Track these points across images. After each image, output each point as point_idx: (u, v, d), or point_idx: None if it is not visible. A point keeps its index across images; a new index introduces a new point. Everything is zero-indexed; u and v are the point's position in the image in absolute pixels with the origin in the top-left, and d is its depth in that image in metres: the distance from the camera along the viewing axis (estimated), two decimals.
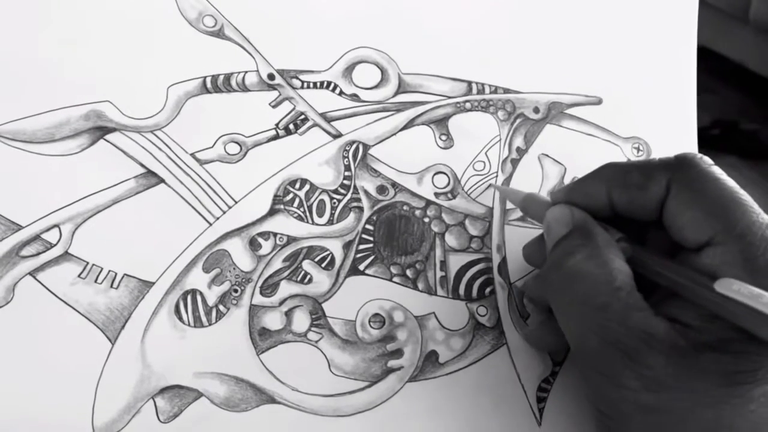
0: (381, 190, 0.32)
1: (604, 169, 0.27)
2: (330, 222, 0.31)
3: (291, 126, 0.31)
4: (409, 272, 0.31)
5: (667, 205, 0.25)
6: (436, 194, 0.32)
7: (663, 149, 0.35)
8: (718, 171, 0.25)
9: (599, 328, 0.23)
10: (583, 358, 0.25)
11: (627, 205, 0.26)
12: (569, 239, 0.26)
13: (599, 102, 0.35)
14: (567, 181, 0.34)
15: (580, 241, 0.25)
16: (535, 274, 0.31)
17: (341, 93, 0.32)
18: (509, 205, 0.33)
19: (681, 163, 0.25)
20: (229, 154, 0.30)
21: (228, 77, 0.31)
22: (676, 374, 0.22)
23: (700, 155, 0.25)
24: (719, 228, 0.23)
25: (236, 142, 0.31)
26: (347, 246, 0.31)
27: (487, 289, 0.31)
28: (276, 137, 0.31)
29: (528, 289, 0.31)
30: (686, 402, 0.22)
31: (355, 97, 0.32)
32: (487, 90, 0.34)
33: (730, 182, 0.24)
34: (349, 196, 0.31)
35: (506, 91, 0.34)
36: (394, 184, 0.32)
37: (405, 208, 0.32)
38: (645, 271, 0.25)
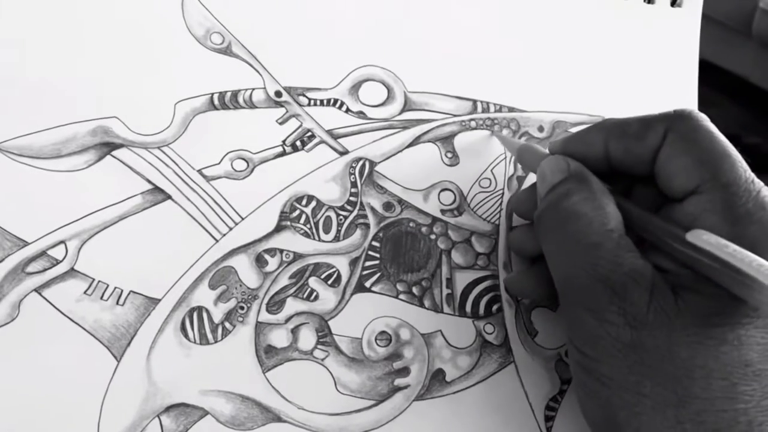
0: (387, 206, 0.32)
1: (603, 122, 0.28)
2: (336, 239, 0.31)
3: (298, 143, 0.31)
4: (415, 289, 0.31)
5: (660, 153, 0.26)
6: (443, 211, 0.32)
7: None
8: (712, 126, 0.26)
9: (589, 265, 0.24)
10: (570, 294, 0.25)
11: (622, 156, 0.27)
12: (566, 183, 0.27)
13: None
14: None
15: (576, 185, 0.26)
16: (522, 225, 0.32)
17: (348, 110, 0.32)
18: (515, 222, 0.33)
19: (679, 115, 0.26)
20: (235, 170, 0.30)
21: (235, 94, 0.31)
22: (656, 312, 0.23)
23: (696, 110, 0.26)
24: (707, 176, 0.25)
25: (243, 159, 0.31)
26: (353, 263, 0.30)
27: (494, 307, 0.31)
28: (283, 154, 0.31)
29: (514, 239, 0.32)
30: (663, 340, 0.22)
31: (361, 114, 0.33)
32: (491, 108, 0.34)
33: (722, 137, 0.25)
34: (355, 212, 0.31)
35: (511, 109, 0.34)
36: (401, 201, 0.32)
37: (411, 224, 0.32)
38: (627, 222, 0.26)
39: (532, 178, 0.34)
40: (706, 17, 0.37)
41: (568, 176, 0.27)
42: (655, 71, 0.37)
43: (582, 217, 0.25)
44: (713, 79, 0.36)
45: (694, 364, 0.22)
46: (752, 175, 0.24)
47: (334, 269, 0.30)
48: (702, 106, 0.36)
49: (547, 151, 0.30)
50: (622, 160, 0.27)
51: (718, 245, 0.22)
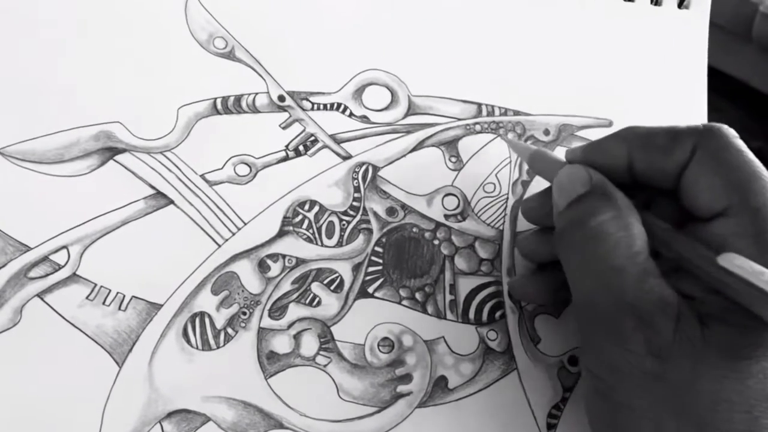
0: (390, 211, 0.31)
1: (626, 130, 0.27)
2: (339, 244, 0.31)
3: (301, 147, 0.31)
4: (418, 295, 0.30)
5: (688, 170, 0.25)
6: (446, 216, 0.32)
7: None
8: (742, 144, 0.25)
9: (615, 290, 0.23)
10: (589, 318, 0.24)
11: (646, 169, 0.26)
12: (591, 199, 0.25)
13: (610, 124, 0.35)
14: None
15: (602, 202, 0.25)
16: (533, 231, 0.31)
17: (351, 115, 0.32)
18: (519, 228, 0.32)
19: (709, 131, 0.25)
20: (238, 175, 0.30)
21: (238, 99, 0.31)
22: (682, 342, 0.22)
23: (726, 126, 0.25)
24: (736, 199, 0.24)
25: (246, 164, 0.31)
26: (356, 268, 0.30)
27: (498, 313, 0.31)
28: (286, 158, 0.31)
29: (523, 243, 0.31)
30: (688, 372, 0.22)
31: (364, 118, 0.32)
32: (497, 112, 0.34)
33: (752, 156, 0.24)
34: (358, 217, 0.31)
35: (516, 113, 0.34)
36: (404, 206, 0.32)
37: (414, 230, 0.31)
38: (651, 240, 0.24)
39: (537, 184, 0.33)
40: None
41: (591, 190, 0.25)
42: (663, 73, 0.36)
43: (608, 237, 0.24)
44: (713, 83, 0.36)
45: (720, 398, 0.21)
46: None
47: (336, 275, 0.30)
48: None
49: (563, 158, 0.28)
50: (646, 173, 0.26)
51: (753, 272, 0.21)
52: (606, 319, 0.23)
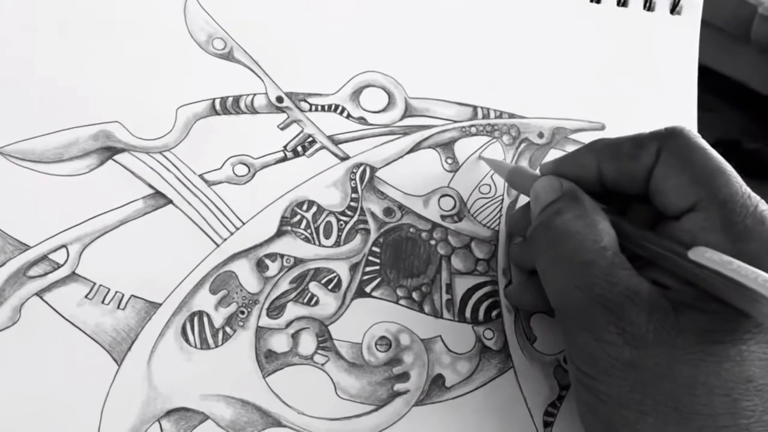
0: (387, 212, 0.32)
1: (594, 142, 0.28)
2: (337, 244, 0.31)
3: (299, 148, 0.32)
4: (415, 295, 0.31)
5: (655, 172, 0.26)
6: (443, 217, 0.32)
7: None
8: (705, 142, 0.26)
9: (584, 284, 0.24)
10: (566, 314, 0.25)
11: (616, 176, 0.27)
12: (558, 201, 0.27)
13: (602, 128, 0.35)
14: None
15: (568, 203, 0.26)
16: (521, 241, 0.32)
17: (349, 116, 0.33)
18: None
19: (671, 133, 0.26)
20: (237, 175, 0.31)
21: (237, 99, 0.31)
22: (656, 330, 0.23)
23: (688, 128, 0.26)
24: (703, 194, 0.24)
25: (244, 164, 0.31)
26: (354, 268, 0.31)
27: (494, 313, 0.31)
28: (284, 159, 0.31)
29: (513, 253, 0.32)
30: (665, 358, 0.22)
31: (362, 120, 0.33)
32: (492, 115, 0.34)
33: (715, 153, 0.25)
34: (355, 218, 0.31)
35: (511, 116, 0.34)
36: (401, 207, 0.32)
37: (411, 230, 0.32)
38: (626, 242, 0.25)
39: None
40: (705, 23, 0.38)
41: (562, 195, 0.27)
42: (655, 78, 0.37)
43: (574, 235, 0.25)
44: (712, 85, 0.37)
45: (696, 381, 0.22)
46: (748, 190, 0.24)
47: (334, 274, 0.30)
48: (701, 112, 0.37)
49: (538, 172, 0.30)
50: (616, 181, 0.27)
51: (722, 262, 0.22)
52: (580, 313, 0.24)
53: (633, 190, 0.27)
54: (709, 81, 0.37)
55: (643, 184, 0.27)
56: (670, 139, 0.26)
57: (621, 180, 0.27)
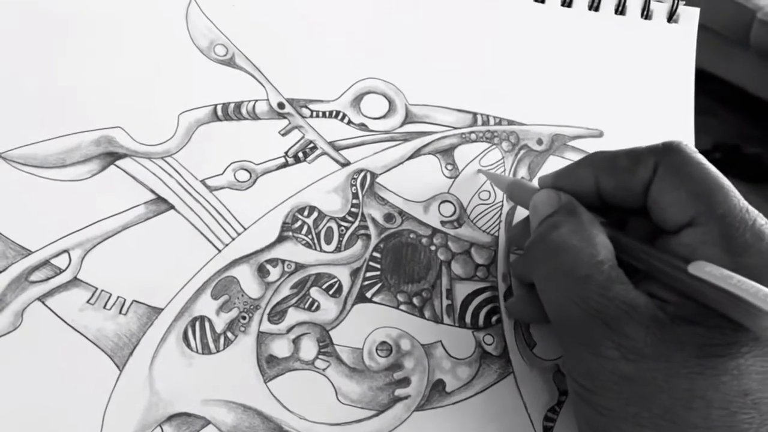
0: (388, 218, 0.32)
1: (592, 156, 0.28)
2: (338, 249, 0.31)
3: (300, 154, 0.32)
4: (415, 300, 0.31)
5: (652, 186, 0.26)
6: (443, 222, 0.32)
7: None
8: (702, 157, 0.26)
9: (581, 298, 0.24)
10: (564, 328, 0.25)
11: (613, 190, 0.27)
12: (555, 215, 0.27)
13: (600, 134, 0.36)
14: None
15: (565, 217, 0.26)
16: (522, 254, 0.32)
17: (349, 122, 0.33)
18: None
19: (668, 148, 0.26)
20: (238, 181, 0.31)
21: (238, 105, 0.32)
22: (654, 345, 0.23)
23: (685, 142, 0.26)
24: (701, 209, 0.25)
25: (246, 170, 0.31)
26: (354, 273, 0.31)
27: (494, 318, 0.31)
28: (285, 165, 0.31)
29: (514, 266, 0.32)
30: (662, 372, 0.22)
31: (363, 126, 0.33)
32: (491, 121, 0.34)
33: (713, 167, 0.26)
34: (356, 223, 0.31)
35: (510, 122, 0.35)
36: (401, 212, 0.32)
37: (412, 236, 0.32)
38: (624, 255, 0.25)
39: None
40: (704, 27, 0.38)
41: (559, 208, 0.27)
42: (653, 85, 0.37)
43: (570, 249, 0.25)
44: (711, 89, 0.37)
45: (694, 395, 0.22)
46: (746, 204, 0.25)
47: (335, 280, 0.30)
48: (700, 116, 0.37)
49: (537, 185, 0.30)
50: (614, 194, 0.27)
51: (723, 277, 0.22)
52: (577, 328, 0.24)
53: (631, 204, 0.27)
54: (708, 85, 0.37)
55: (641, 198, 0.27)
56: (666, 153, 0.26)
57: (619, 194, 0.27)
